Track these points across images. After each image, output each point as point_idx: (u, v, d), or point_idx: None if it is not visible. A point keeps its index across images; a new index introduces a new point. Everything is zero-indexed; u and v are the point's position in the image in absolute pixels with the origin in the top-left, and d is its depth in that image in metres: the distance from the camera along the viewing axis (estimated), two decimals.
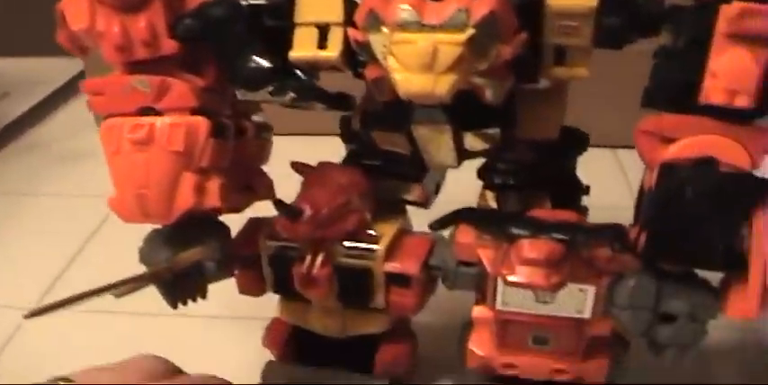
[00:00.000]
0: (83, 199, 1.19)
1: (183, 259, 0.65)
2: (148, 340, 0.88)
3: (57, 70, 1.68)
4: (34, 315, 0.58)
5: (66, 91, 1.66)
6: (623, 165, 1.14)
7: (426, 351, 0.81)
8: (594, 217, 0.68)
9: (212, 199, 0.63)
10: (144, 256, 0.69)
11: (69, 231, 1.12)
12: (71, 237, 1.11)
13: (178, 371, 0.61)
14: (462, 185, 0.71)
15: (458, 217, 0.64)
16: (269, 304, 0.76)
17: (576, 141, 0.70)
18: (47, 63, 1.63)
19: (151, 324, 0.91)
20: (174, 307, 0.70)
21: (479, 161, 0.70)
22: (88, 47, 0.66)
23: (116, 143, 0.63)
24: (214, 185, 0.63)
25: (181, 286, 0.68)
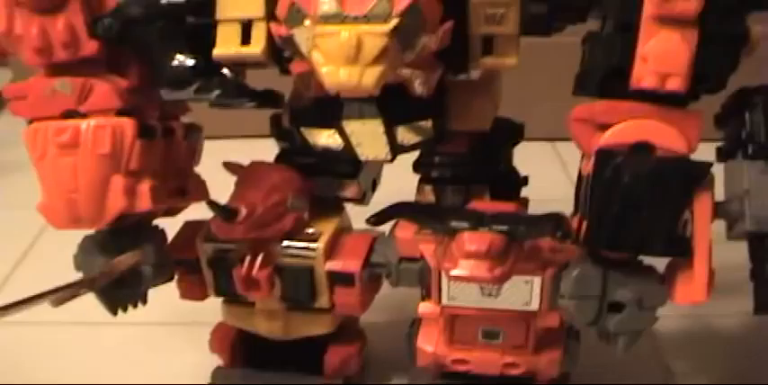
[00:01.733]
0: (17, 211, 1.12)
1: (119, 264, 0.63)
2: (92, 349, 0.87)
3: None
4: None
5: None
6: (562, 158, 1.12)
7: (376, 350, 0.80)
8: (536, 210, 0.66)
9: (144, 201, 0.62)
10: (79, 263, 0.67)
11: (4, 246, 1.08)
12: (6, 252, 1.07)
13: None
14: (399, 180, 0.70)
15: (395, 211, 0.62)
16: (213, 309, 0.74)
17: (511, 132, 0.69)
18: None
19: (94, 333, 0.89)
20: (114, 313, 0.68)
21: (414, 155, 0.68)
22: (8, 52, 0.65)
23: (41, 147, 0.61)
24: (145, 187, 0.62)
25: (119, 292, 0.66)
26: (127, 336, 0.88)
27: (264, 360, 0.75)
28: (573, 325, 0.70)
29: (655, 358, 0.81)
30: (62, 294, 0.60)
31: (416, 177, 0.70)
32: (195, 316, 0.80)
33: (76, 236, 0.67)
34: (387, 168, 0.73)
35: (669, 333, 0.84)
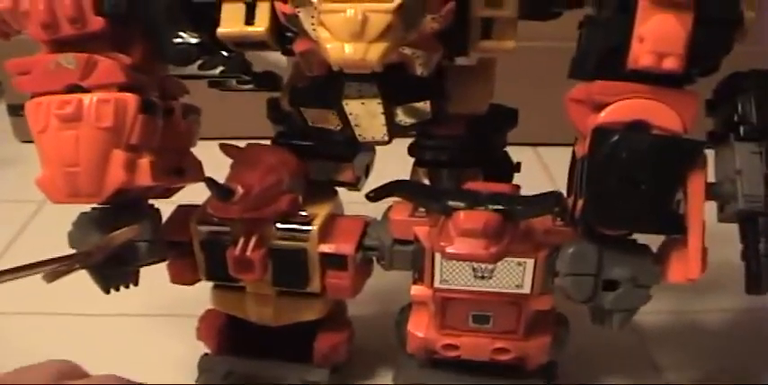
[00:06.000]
0: (3, 204, 1.17)
1: (116, 238, 0.63)
2: (80, 341, 0.85)
3: None
4: None
5: None
6: (545, 162, 1.14)
7: (362, 341, 0.79)
8: None
9: (143, 176, 0.62)
10: (74, 240, 0.67)
11: None
12: None
13: (84, 375, 0.59)
14: (392, 166, 0.70)
15: (395, 188, 0.63)
16: (201, 301, 0.75)
17: (506, 117, 0.70)
18: None
19: (82, 324, 0.88)
20: (107, 292, 0.68)
21: (406, 142, 0.69)
22: (10, 32, 0.65)
23: (43, 121, 0.61)
24: (145, 163, 0.62)
25: (113, 270, 0.66)
26: (109, 328, 0.87)
27: (252, 347, 0.74)
28: (561, 312, 0.71)
29: (640, 353, 0.82)
30: (56, 268, 0.60)
31: (408, 164, 0.71)
32: (183, 309, 0.80)
33: (59, 229, 0.67)
34: (380, 155, 0.75)
35: (654, 329, 0.85)
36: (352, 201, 0.73)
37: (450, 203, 0.61)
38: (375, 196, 0.62)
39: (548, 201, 0.60)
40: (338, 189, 0.73)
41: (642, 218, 0.58)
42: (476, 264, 0.64)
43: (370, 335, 0.80)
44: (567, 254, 0.62)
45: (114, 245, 0.63)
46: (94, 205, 0.66)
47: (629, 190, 0.57)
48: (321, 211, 0.68)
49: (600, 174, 0.57)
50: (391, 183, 0.63)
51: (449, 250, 0.59)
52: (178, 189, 0.70)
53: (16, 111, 1.40)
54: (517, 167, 0.72)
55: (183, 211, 0.70)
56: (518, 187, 0.69)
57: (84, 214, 0.67)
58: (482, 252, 0.59)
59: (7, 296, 0.93)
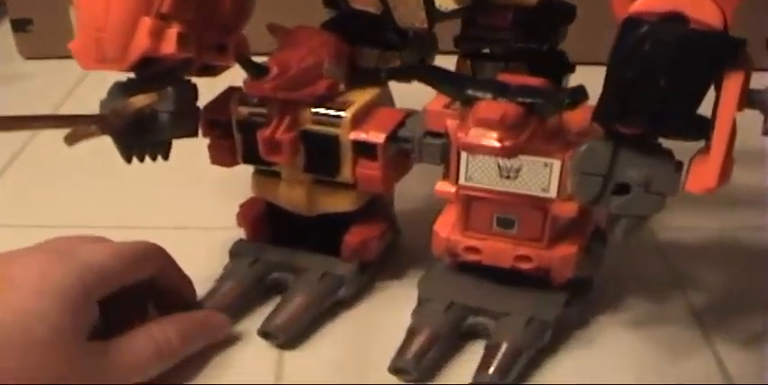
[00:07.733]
0: None
1: (131, 104, 0.63)
2: None
3: None
4: None
5: None
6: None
7: (408, 239, 0.78)
8: None
9: (168, 45, 0.61)
10: (103, 105, 0.67)
11: None
12: None
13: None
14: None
15: (414, 70, 0.61)
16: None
17: (560, 12, 0.66)
18: None
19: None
20: (128, 160, 0.68)
21: None
22: None
23: None
24: (172, 32, 0.61)
25: (136, 139, 0.66)
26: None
27: (288, 238, 0.74)
28: (600, 227, 0.68)
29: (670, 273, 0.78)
30: (75, 132, 0.61)
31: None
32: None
33: (58, 151, 0.66)
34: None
35: (682, 245, 0.81)
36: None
37: (470, 92, 0.58)
38: (387, 75, 0.60)
39: (564, 95, 0.57)
40: None
41: (660, 117, 0.53)
42: (501, 162, 0.61)
43: (418, 235, 0.74)
44: (578, 151, 0.57)
45: (130, 110, 0.63)
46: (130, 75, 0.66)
47: (650, 83, 0.52)
48: (360, 99, 0.66)
49: (620, 65, 0.52)
50: (414, 64, 0.61)
51: (462, 139, 0.57)
52: (225, 68, 0.69)
53: (22, 26, 1.35)
54: (572, 68, 0.68)
55: (230, 92, 0.70)
56: (552, 82, 0.65)
57: (117, 83, 0.68)
58: (495, 144, 0.56)
59: None
